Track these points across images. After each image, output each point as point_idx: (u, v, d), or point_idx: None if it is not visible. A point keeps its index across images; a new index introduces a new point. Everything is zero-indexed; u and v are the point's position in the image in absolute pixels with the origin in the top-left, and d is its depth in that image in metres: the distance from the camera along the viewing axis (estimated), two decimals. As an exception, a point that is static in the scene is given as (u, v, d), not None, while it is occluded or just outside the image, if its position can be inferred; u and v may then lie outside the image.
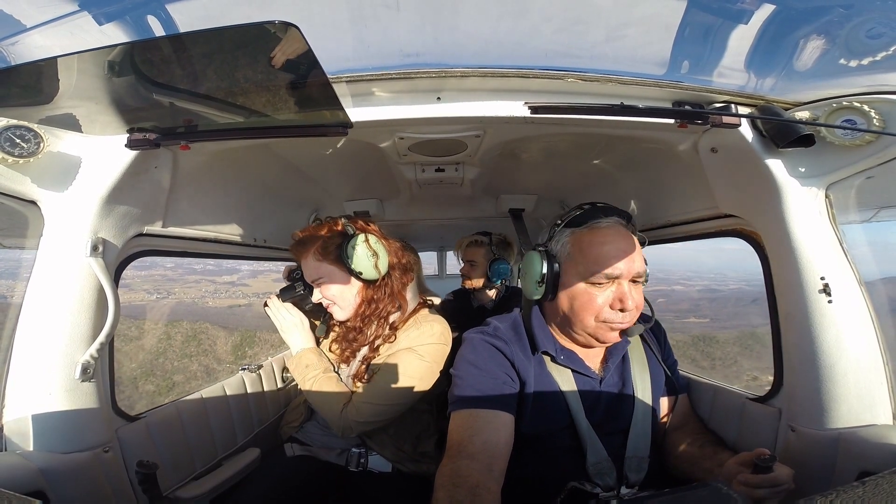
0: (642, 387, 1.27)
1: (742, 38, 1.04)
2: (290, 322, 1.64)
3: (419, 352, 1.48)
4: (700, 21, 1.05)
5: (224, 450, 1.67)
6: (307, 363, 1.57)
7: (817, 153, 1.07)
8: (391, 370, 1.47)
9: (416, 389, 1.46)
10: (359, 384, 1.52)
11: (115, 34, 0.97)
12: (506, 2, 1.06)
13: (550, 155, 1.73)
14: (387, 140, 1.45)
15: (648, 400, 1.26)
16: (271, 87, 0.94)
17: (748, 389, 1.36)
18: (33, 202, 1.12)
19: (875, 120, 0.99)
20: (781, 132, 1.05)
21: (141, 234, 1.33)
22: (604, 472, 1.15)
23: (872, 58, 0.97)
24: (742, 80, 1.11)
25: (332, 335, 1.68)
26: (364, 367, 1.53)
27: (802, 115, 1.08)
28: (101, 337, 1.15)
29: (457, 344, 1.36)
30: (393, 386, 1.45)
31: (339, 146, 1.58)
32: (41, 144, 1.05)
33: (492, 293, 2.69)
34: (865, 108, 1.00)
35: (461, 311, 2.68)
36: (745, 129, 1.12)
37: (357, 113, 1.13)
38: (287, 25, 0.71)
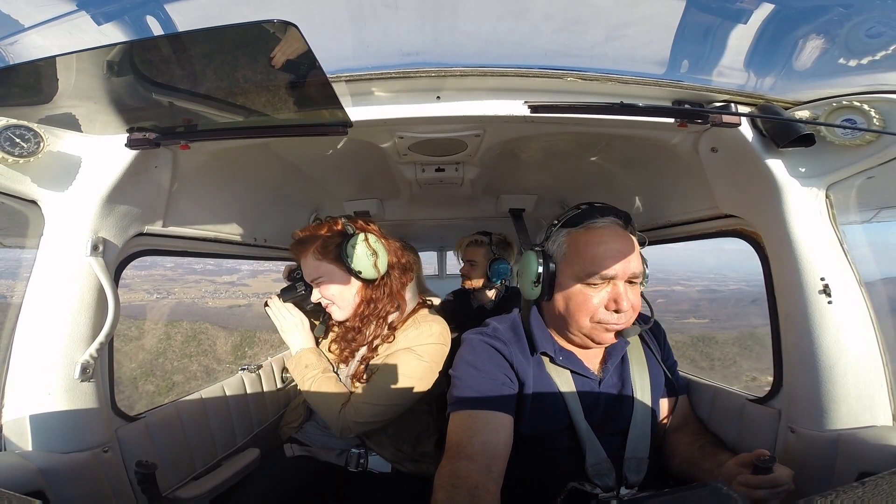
0: (641, 387, 1.26)
1: (742, 38, 1.04)
2: (290, 322, 1.63)
3: (418, 352, 1.48)
4: (699, 20, 1.05)
5: (223, 450, 1.66)
6: (306, 363, 1.57)
7: (817, 153, 1.07)
8: (390, 370, 1.47)
9: (414, 390, 1.45)
10: (357, 384, 1.52)
11: (113, 34, 0.97)
12: (506, 1, 1.06)
13: (550, 155, 1.73)
14: (387, 140, 1.45)
15: (648, 401, 1.26)
16: (271, 86, 0.94)
17: (747, 390, 1.36)
18: (33, 202, 1.12)
19: (875, 119, 0.98)
20: (782, 131, 1.05)
21: (141, 234, 1.33)
22: (603, 473, 1.14)
23: (872, 57, 0.96)
24: (742, 79, 1.11)
25: (332, 335, 1.68)
26: (363, 367, 1.53)
27: (802, 114, 1.08)
28: (101, 337, 1.15)
29: (456, 344, 1.35)
30: (391, 386, 1.45)
31: (339, 146, 1.58)
32: (41, 144, 1.05)
33: (492, 293, 2.68)
34: (865, 107, 0.99)
35: (461, 312, 2.68)
36: (746, 129, 1.11)
37: (357, 112, 1.12)
38: (286, 25, 0.71)
